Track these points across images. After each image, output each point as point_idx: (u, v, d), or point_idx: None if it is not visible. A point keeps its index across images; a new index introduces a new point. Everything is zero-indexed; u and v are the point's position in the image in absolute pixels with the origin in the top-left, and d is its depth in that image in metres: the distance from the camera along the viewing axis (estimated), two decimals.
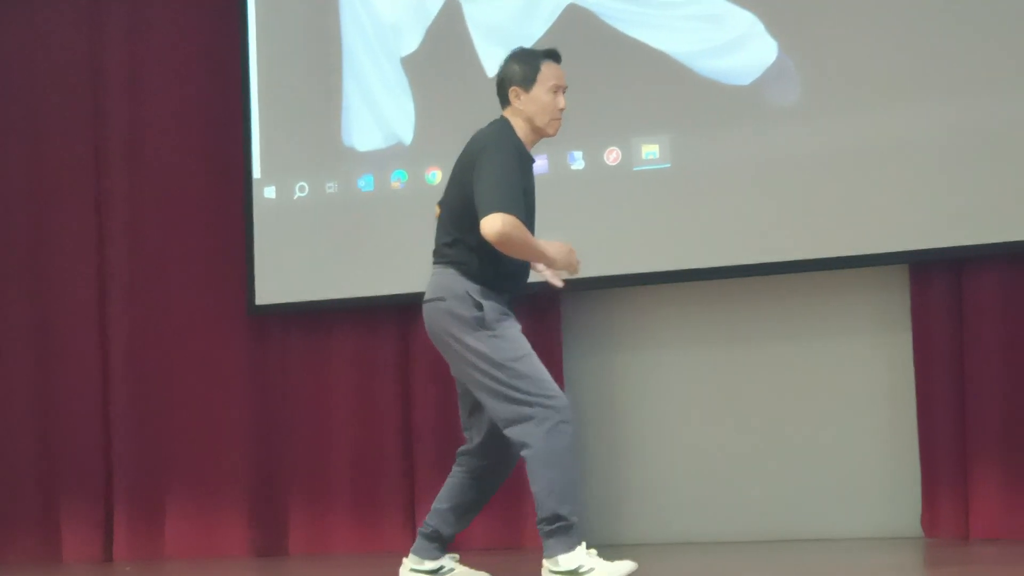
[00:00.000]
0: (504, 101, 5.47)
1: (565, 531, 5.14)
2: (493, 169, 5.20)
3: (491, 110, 7.94)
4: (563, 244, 5.34)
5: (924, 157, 7.12)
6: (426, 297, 5.37)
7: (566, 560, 5.14)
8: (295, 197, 8.36)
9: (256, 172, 8.43)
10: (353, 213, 8.24)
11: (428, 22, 8.16)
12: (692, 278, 7.62)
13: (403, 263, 8.05)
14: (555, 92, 5.40)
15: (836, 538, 7.46)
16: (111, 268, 8.76)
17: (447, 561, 5.54)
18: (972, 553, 6.60)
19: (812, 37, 7.37)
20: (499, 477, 5.53)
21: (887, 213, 7.19)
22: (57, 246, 8.86)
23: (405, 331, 8.25)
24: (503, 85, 5.46)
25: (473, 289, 5.26)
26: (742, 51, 7.49)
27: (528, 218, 5.33)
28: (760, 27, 7.45)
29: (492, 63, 7.94)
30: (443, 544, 5.52)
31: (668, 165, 7.57)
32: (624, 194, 7.65)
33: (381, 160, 8.20)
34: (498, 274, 5.30)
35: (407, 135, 8.16)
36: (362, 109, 8.28)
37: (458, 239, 5.31)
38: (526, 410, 5.15)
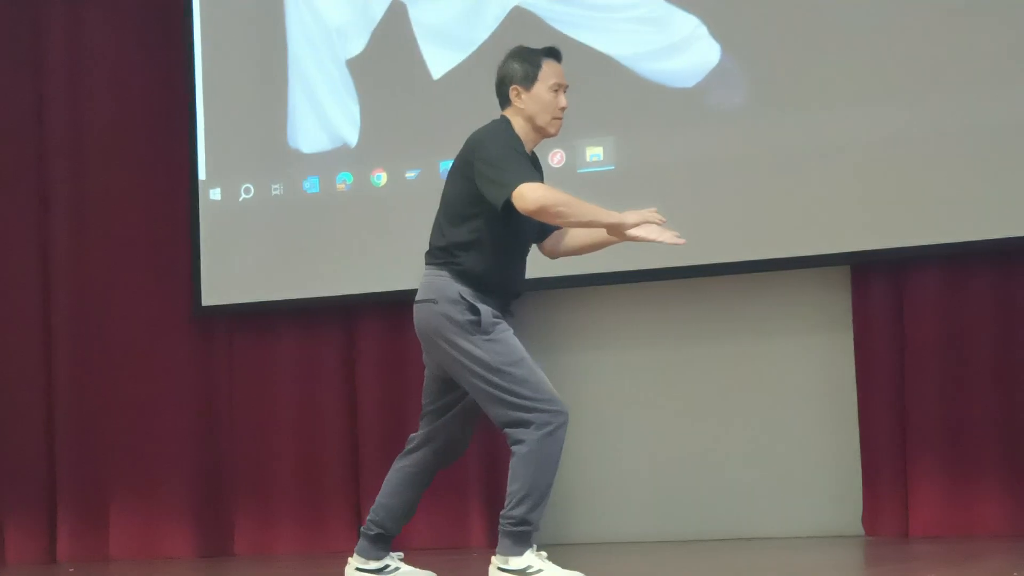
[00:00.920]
0: (504, 100, 5.34)
1: (524, 536, 5.13)
2: (495, 151, 5.13)
3: (437, 112, 7.99)
4: (634, 214, 5.10)
5: (865, 159, 7.18)
6: (417, 297, 5.28)
7: (516, 561, 5.13)
8: (241, 199, 8.36)
9: (202, 173, 8.42)
10: (298, 215, 8.24)
11: (373, 25, 8.17)
12: (636, 279, 7.65)
13: (349, 264, 8.07)
14: (556, 91, 5.30)
15: (778, 536, 7.51)
16: (55, 270, 8.71)
17: (391, 560, 5.51)
18: (912, 551, 6.64)
19: (755, 40, 7.42)
20: (441, 468, 5.50)
21: (829, 215, 7.24)
22: (0, 249, 8.80)
23: (351, 332, 8.26)
24: (503, 84, 5.34)
25: (466, 292, 5.18)
26: (686, 54, 7.54)
27: (541, 225, 5.31)
28: (704, 30, 7.49)
29: (437, 65, 7.98)
30: (387, 542, 5.51)
31: (612, 167, 7.61)
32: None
33: (326, 162, 8.20)
34: (492, 275, 5.22)
35: (352, 137, 8.17)
36: (307, 111, 8.29)
37: (451, 239, 5.23)
38: (525, 415, 5.10)
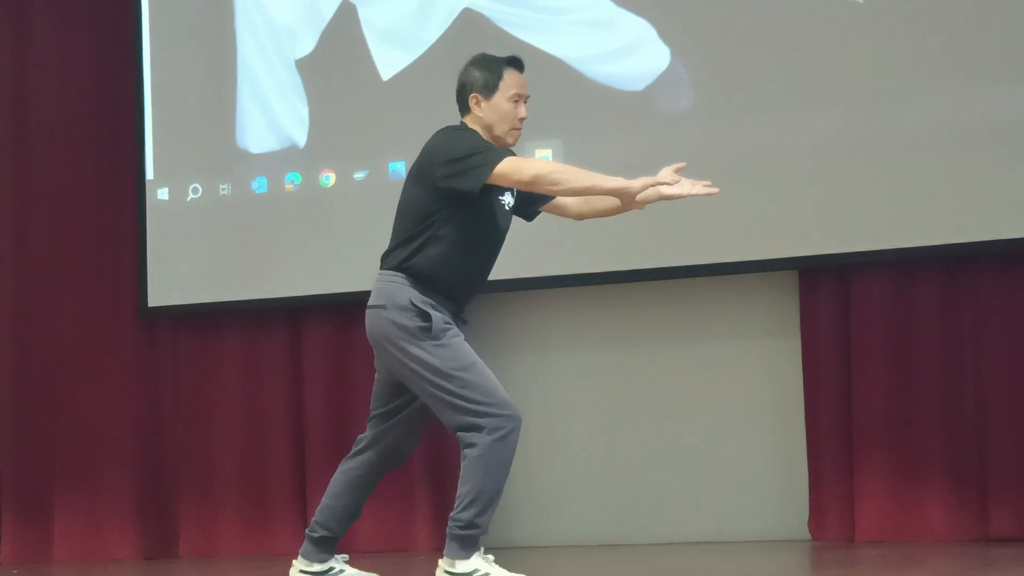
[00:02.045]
0: (463, 107, 5.32)
1: (472, 539, 5.12)
2: (461, 145, 5.11)
3: (386, 113, 7.97)
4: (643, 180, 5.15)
5: (812, 164, 7.20)
6: (369, 302, 5.26)
7: (463, 564, 5.12)
8: (188, 199, 8.32)
9: (149, 173, 8.38)
10: (246, 215, 8.21)
11: (323, 25, 8.14)
12: (583, 282, 7.66)
13: (296, 265, 8.04)
14: (516, 101, 5.29)
15: (724, 541, 7.52)
16: None
17: (336, 563, 5.50)
18: (857, 555, 6.65)
19: (704, 43, 7.43)
20: (387, 471, 5.49)
21: (777, 219, 7.26)
22: None
23: (297, 334, 8.24)
24: (463, 91, 5.31)
25: (416, 298, 5.16)
26: (635, 57, 7.54)
27: (526, 208, 5.40)
28: (653, 33, 7.50)
29: (386, 66, 7.95)
30: (332, 545, 5.50)
31: None
32: None
33: (275, 162, 8.17)
34: (447, 280, 5.20)
35: (301, 137, 8.14)
36: (256, 111, 8.25)
37: (405, 244, 5.21)
38: (476, 420, 5.08)
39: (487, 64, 5.32)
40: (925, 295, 7.17)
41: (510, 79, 5.31)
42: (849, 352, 7.27)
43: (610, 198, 5.40)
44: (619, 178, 5.10)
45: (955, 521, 7.05)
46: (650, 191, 5.15)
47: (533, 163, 5.14)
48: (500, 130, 5.29)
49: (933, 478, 7.09)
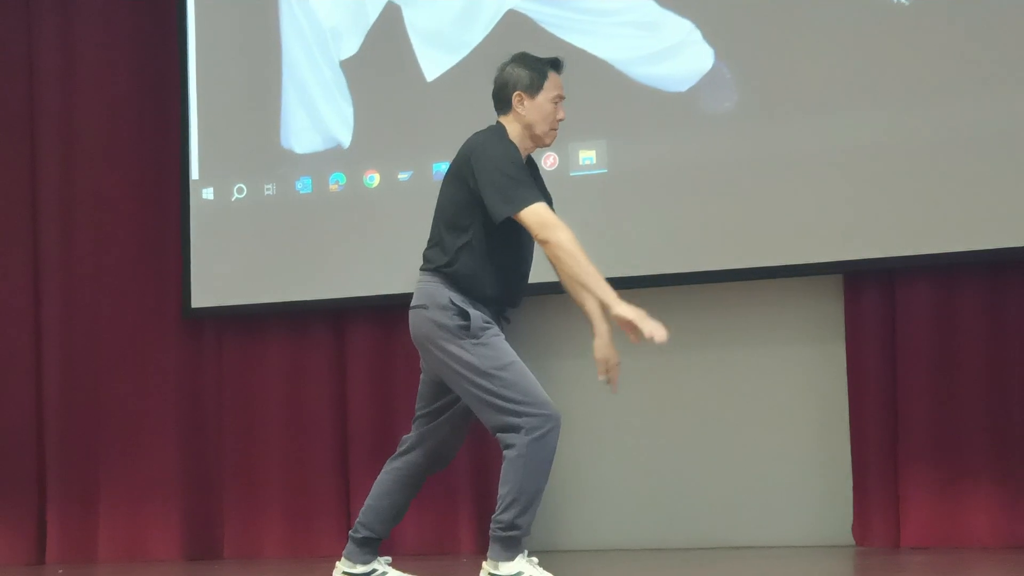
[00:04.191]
0: (504, 105, 5.35)
1: (515, 540, 5.13)
2: (500, 162, 5.15)
3: (430, 114, 7.97)
4: (634, 313, 5.11)
5: (859, 166, 7.15)
6: (412, 304, 5.31)
7: (506, 567, 5.13)
8: (233, 199, 8.34)
9: (194, 173, 8.40)
10: (291, 215, 8.22)
11: (368, 26, 8.14)
12: (627, 285, 7.60)
13: (340, 267, 8.05)
14: (556, 102, 5.33)
15: (768, 546, 7.48)
16: (45, 269, 8.69)
17: (379, 564, 5.51)
18: (902, 561, 6.63)
19: (749, 45, 7.40)
20: (432, 473, 5.50)
21: (822, 222, 7.22)
22: None
23: (341, 335, 8.24)
24: (506, 88, 5.33)
25: (456, 297, 5.20)
26: (679, 58, 7.51)
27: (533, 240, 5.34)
28: (697, 35, 7.47)
29: (431, 67, 7.96)
30: (375, 546, 5.50)
31: (605, 171, 7.58)
32: (561, 199, 7.53)
33: (319, 163, 8.18)
34: (485, 281, 5.23)
35: (346, 138, 8.15)
36: (300, 111, 8.26)
37: (444, 244, 5.25)
38: (515, 420, 5.10)
39: (532, 64, 5.34)
40: (971, 300, 7.11)
41: (552, 80, 5.35)
42: (894, 357, 7.22)
43: (586, 293, 5.34)
44: (611, 291, 5.10)
45: (1001, 528, 6.99)
46: (621, 319, 5.11)
47: (555, 228, 5.11)
48: (540, 129, 5.32)
49: (979, 484, 7.04)
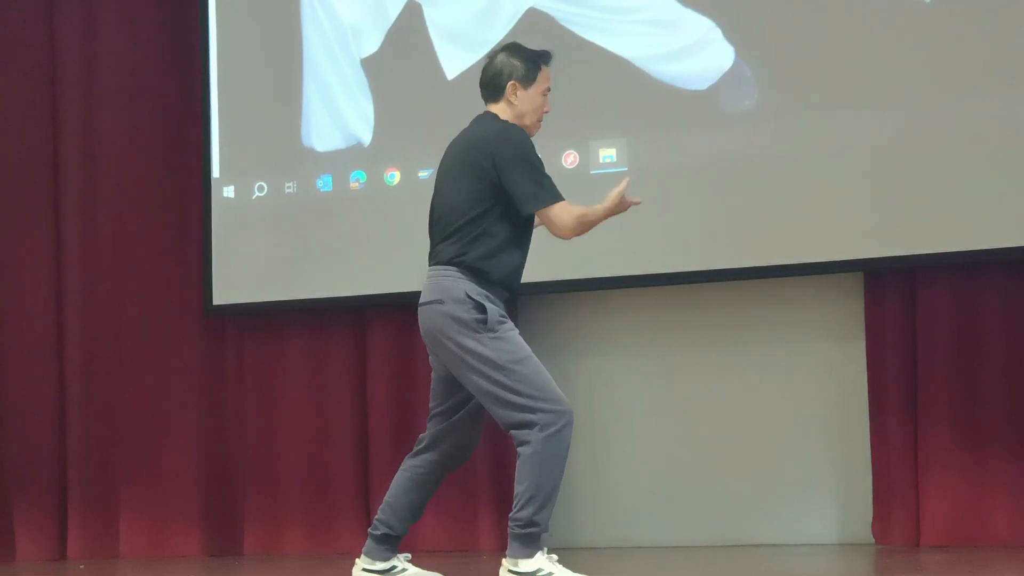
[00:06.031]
0: (496, 94, 5.41)
1: (534, 537, 5.13)
2: (528, 156, 5.24)
3: (451, 112, 7.96)
4: (611, 194, 5.28)
5: (879, 164, 7.14)
6: (422, 300, 5.31)
7: (526, 564, 5.14)
8: (254, 197, 8.36)
9: (215, 171, 8.42)
10: (312, 213, 8.23)
11: (388, 24, 8.15)
12: (647, 283, 7.64)
13: (361, 264, 8.06)
14: (545, 95, 5.42)
15: (787, 544, 7.48)
16: (67, 267, 8.72)
17: (399, 561, 5.52)
18: (922, 560, 6.61)
19: (769, 43, 7.39)
20: (450, 470, 5.51)
21: (842, 220, 7.21)
22: (13, 246, 8.80)
23: (361, 333, 8.25)
24: (500, 77, 5.38)
25: (472, 290, 5.21)
26: (699, 56, 7.51)
27: (532, 227, 5.42)
28: (718, 33, 7.46)
29: (452, 65, 7.96)
30: (394, 544, 5.51)
31: (625, 168, 7.58)
32: (581, 197, 7.53)
33: (340, 160, 8.19)
34: (500, 270, 5.26)
35: (366, 136, 8.16)
36: (321, 109, 8.28)
37: (459, 236, 5.26)
38: (529, 416, 5.11)
39: (526, 55, 5.44)
40: (992, 298, 7.10)
41: (544, 73, 5.45)
42: (915, 355, 7.21)
43: None
44: (602, 206, 5.26)
45: (1022, 527, 6.98)
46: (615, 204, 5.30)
47: (573, 224, 5.25)
48: (530, 120, 5.42)
49: (1000, 483, 7.02)
